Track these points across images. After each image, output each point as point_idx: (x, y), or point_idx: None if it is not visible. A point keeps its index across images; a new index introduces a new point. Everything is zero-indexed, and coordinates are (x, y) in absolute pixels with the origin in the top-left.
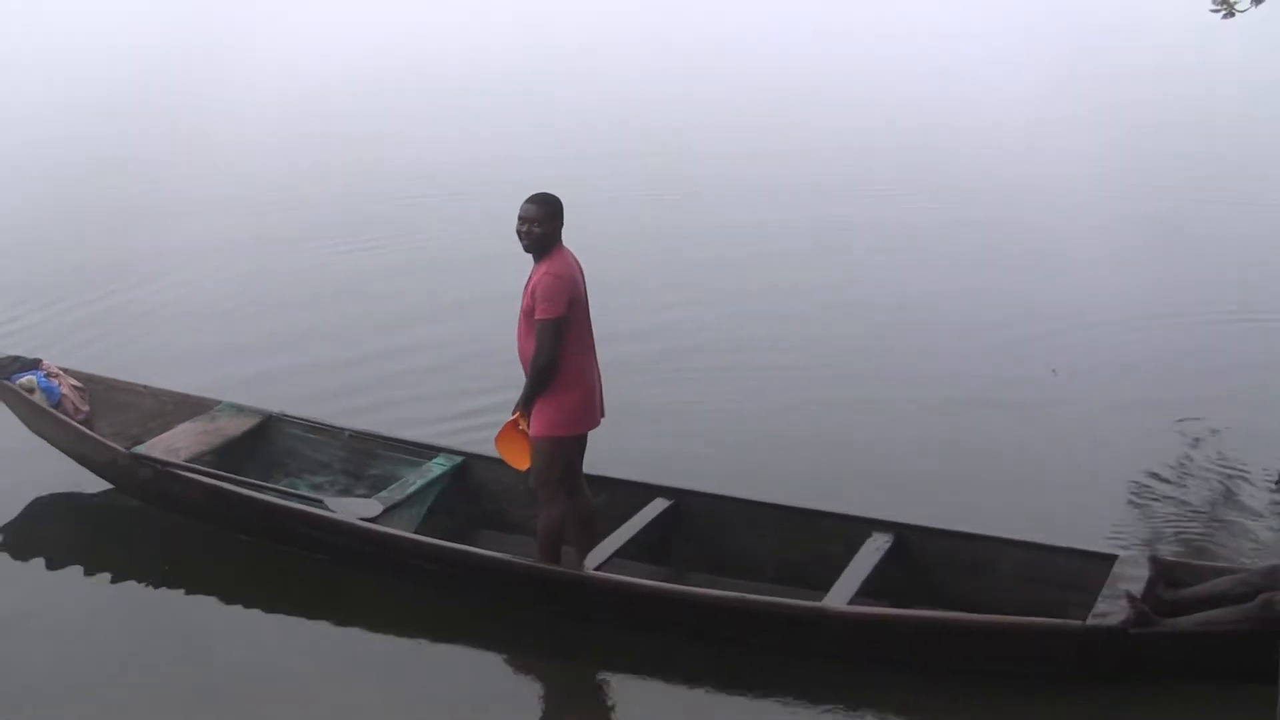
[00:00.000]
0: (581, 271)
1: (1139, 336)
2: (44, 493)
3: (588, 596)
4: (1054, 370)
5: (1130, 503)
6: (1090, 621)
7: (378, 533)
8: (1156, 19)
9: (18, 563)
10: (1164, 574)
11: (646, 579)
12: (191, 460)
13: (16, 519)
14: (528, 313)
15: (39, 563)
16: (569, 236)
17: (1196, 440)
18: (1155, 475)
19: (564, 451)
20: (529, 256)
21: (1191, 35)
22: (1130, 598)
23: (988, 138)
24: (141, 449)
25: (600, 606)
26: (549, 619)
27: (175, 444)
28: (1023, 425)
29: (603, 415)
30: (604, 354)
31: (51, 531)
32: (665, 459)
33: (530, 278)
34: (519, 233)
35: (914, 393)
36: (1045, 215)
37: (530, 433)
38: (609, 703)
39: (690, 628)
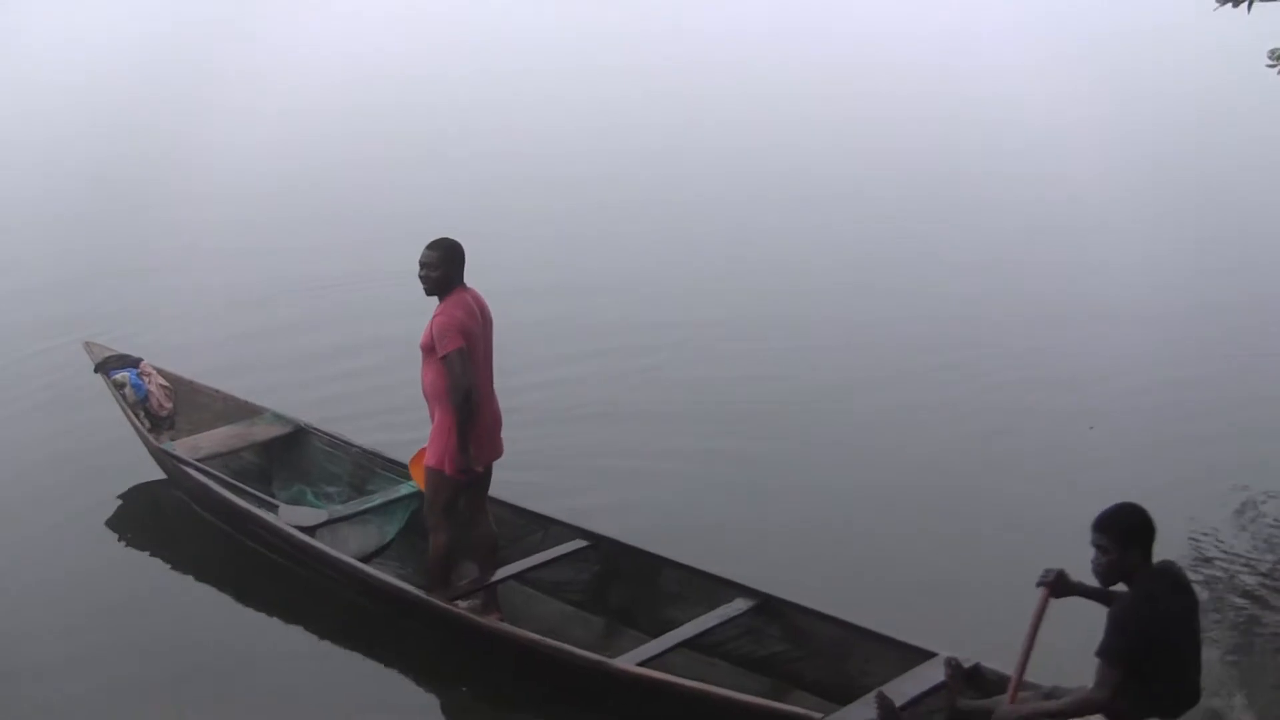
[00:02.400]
0: (484, 311)
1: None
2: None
3: (432, 621)
4: (1091, 426)
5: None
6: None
7: (296, 539)
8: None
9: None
10: (968, 680)
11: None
12: (207, 458)
13: (126, 494)
14: (426, 349)
15: (94, 529)
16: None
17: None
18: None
19: (448, 484)
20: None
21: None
22: (880, 701)
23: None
24: (170, 445)
25: (440, 631)
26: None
27: (201, 443)
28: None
29: (499, 455)
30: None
31: (123, 505)
32: (626, 507)
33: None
34: (419, 277)
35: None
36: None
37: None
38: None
39: (508, 664)
